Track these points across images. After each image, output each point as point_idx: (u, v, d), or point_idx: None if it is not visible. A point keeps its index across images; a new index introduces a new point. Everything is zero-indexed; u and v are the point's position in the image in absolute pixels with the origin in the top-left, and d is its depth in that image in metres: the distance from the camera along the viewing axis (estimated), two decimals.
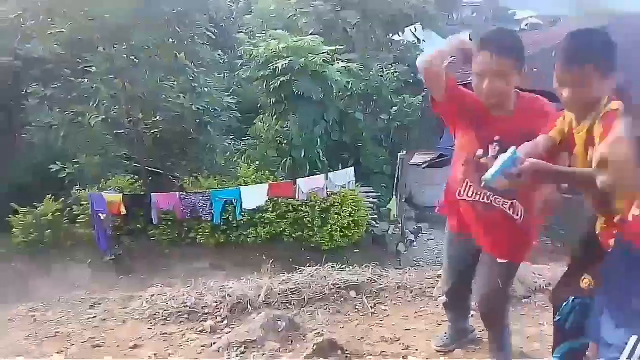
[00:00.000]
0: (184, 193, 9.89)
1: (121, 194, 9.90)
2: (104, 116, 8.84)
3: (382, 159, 13.03)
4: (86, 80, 9.43)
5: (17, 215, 10.03)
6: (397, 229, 10.94)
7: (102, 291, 4.45)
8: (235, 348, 2.92)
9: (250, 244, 10.29)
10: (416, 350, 2.86)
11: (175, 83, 10.15)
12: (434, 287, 3.61)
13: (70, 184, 10.40)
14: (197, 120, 10.51)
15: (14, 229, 9.94)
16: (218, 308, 3.60)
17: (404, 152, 11.87)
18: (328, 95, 11.28)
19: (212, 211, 9.84)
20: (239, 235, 10.40)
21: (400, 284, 3.64)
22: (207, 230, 10.32)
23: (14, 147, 12.03)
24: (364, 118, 12.96)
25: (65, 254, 10.14)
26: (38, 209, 10.06)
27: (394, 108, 13.52)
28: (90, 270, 9.83)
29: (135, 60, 9.58)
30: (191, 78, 10.18)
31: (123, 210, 9.69)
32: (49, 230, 10.02)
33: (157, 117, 10.20)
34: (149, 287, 4.24)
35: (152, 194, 9.85)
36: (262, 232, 10.26)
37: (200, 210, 9.83)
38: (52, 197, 10.31)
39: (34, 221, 9.94)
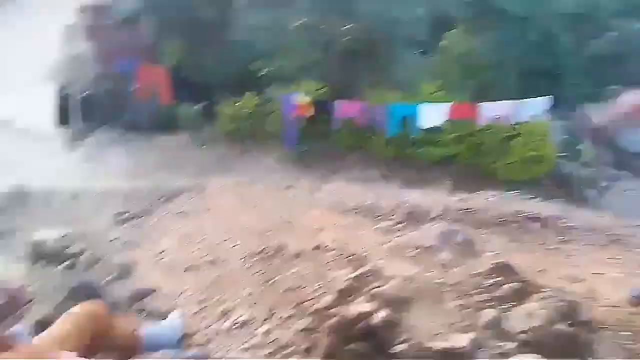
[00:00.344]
0: (366, 104, 10.10)
1: (310, 97, 10.52)
2: (301, 21, 9.21)
3: (585, 93, 11.46)
4: None
5: (222, 106, 11.46)
6: (590, 173, 9.81)
7: (290, 180, 4.91)
8: (410, 250, 3.05)
9: (422, 162, 10.29)
10: (603, 296, 2.66)
11: None
12: (634, 237, 3.23)
13: (266, 84, 11.41)
14: (387, 32, 10.37)
15: (220, 118, 11.44)
16: (393, 212, 3.74)
17: (616, 87, 10.25)
18: (532, 13, 10.05)
19: (388, 124, 9.98)
20: (413, 151, 10.45)
21: (594, 227, 3.33)
22: (382, 142, 10.55)
23: (222, 44, 13.43)
24: (571, 43, 11.36)
25: (258, 145, 11.42)
26: (238, 103, 11.33)
27: (611, 34, 11.52)
28: (274, 162, 10.95)
29: None
30: None
31: (311, 112, 10.36)
32: (246, 123, 11.30)
33: (350, 25, 10.30)
34: (332, 182, 4.56)
35: (336, 101, 10.27)
36: (437, 152, 10.11)
37: (379, 122, 10.05)
38: (253, 93, 11.47)
39: (234, 112, 11.27)
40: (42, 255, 3.05)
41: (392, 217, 3.70)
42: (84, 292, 2.42)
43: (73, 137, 12.41)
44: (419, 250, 3.06)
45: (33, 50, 14.82)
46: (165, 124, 12.48)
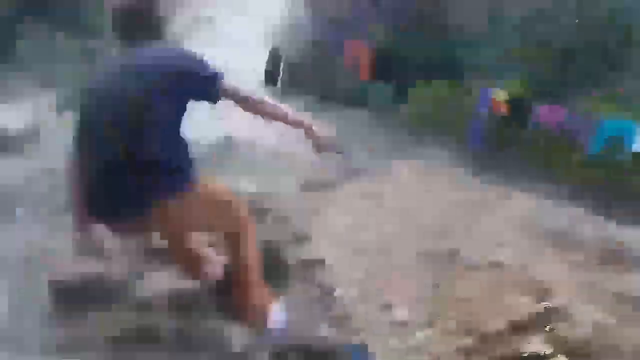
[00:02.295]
0: (572, 112, 8.98)
1: (509, 95, 9.77)
2: (522, 12, 8.48)
3: None
4: None
5: (415, 89, 11.34)
6: None
7: (473, 181, 4.62)
8: (607, 295, 2.64)
9: (627, 190, 8.86)
10: None
11: None
12: None
13: (467, 73, 10.91)
14: (618, 35, 8.98)
15: (409, 100, 11.36)
16: (590, 245, 3.28)
17: None
18: None
19: (592, 139, 8.73)
20: (617, 176, 9.06)
21: None
22: (577, 158, 9.35)
23: (430, 27, 13.18)
24: None
25: (440, 133, 11.09)
26: (433, 87, 11.08)
27: None
28: (454, 155, 10.51)
29: None
30: None
31: (506, 111, 9.64)
32: (434, 110, 11.03)
33: (577, 22, 9.17)
34: (517, 192, 4.18)
35: (538, 105, 9.36)
36: None
37: (581, 134, 8.86)
38: (448, 81, 11.11)
39: (425, 97, 11.07)
40: None
41: (589, 250, 3.24)
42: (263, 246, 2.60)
43: (276, 96, 13.58)
44: (619, 298, 2.63)
45: (258, 11, 16.53)
46: (358, 99, 12.88)
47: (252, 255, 2.10)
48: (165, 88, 1.76)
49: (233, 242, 2.08)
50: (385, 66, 12.31)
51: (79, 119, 1.91)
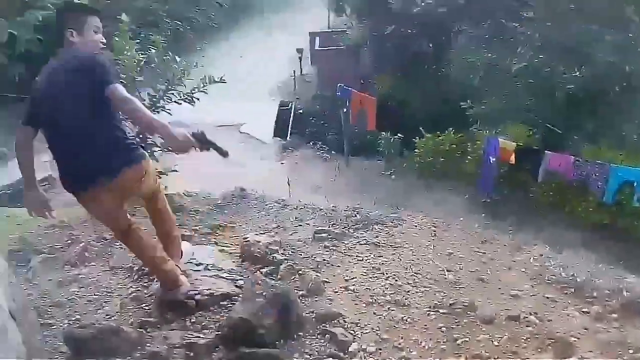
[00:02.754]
0: (580, 159, 9.03)
1: (515, 143, 9.87)
2: (526, 64, 8.71)
3: None
4: (518, 25, 9.41)
5: (421, 139, 11.50)
6: None
7: (485, 231, 4.60)
8: (629, 351, 2.57)
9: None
10: None
11: (612, 38, 8.98)
12: None
13: (471, 122, 11.09)
14: (625, 84, 9.16)
15: (416, 150, 11.50)
16: (609, 297, 3.21)
17: None
18: None
19: (605, 187, 8.69)
20: (630, 223, 8.98)
21: None
22: (591, 206, 9.30)
23: (435, 78, 13.53)
24: None
25: (448, 183, 11.15)
26: (439, 137, 11.24)
27: None
28: (464, 205, 10.51)
29: (573, 7, 8.94)
30: (632, 35, 8.82)
31: (513, 160, 9.69)
32: (442, 159, 11.14)
33: (578, 73, 9.39)
34: (530, 239, 4.14)
35: (546, 151, 9.42)
36: None
37: (592, 182, 8.84)
38: (453, 130, 11.29)
39: (433, 147, 11.20)
40: (250, 256, 3.38)
41: (607, 302, 3.17)
42: (280, 300, 2.59)
43: (284, 148, 13.80)
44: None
45: (266, 67, 17.11)
46: (364, 148, 13.09)
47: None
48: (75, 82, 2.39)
49: None
50: (392, 116, 12.57)
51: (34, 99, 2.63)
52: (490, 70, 10.41)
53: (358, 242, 3.63)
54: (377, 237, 3.72)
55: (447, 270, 3.34)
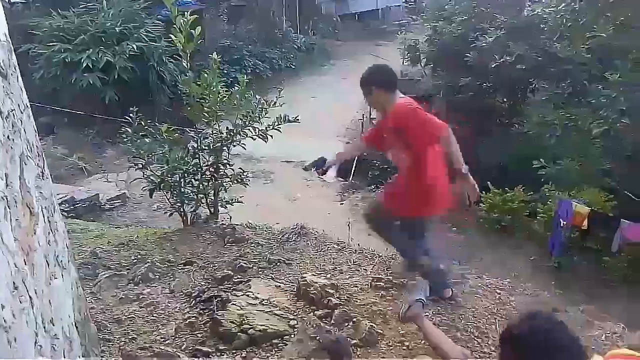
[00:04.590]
0: None
1: (590, 208, 9.34)
2: (607, 127, 8.33)
3: None
4: (602, 87, 9.07)
5: (488, 194, 11.15)
6: None
7: (554, 297, 4.32)
8: None
9: None
10: None
11: None
12: None
13: (543, 182, 10.66)
14: None
15: (482, 204, 11.14)
16: None
17: None
18: None
19: None
20: None
21: None
22: None
23: (507, 133, 13.23)
24: None
25: (514, 243, 10.64)
26: (507, 194, 10.85)
27: None
28: (530, 267, 9.96)
29: None
30: None
31: (585, 225, 9.17)
32: (509, 217, 10.71)
33: None
34: (606, 320, 3.83)
35: (623, 220, 8.82)
36: None
37: None
38: (523, 188, 10.88)
39: (500, 203, 10.82)
40: (306, 296, 3.37)
41: None
42: (333, 348, 2.54)
43: (346, 189, 13.83)
44: None
45: (336, 109, 17.44)
46: None
47: None
48: None
49: None
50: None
51: None
52: (568, 131, 10.02)
53: None
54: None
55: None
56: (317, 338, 2.56)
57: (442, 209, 3.44)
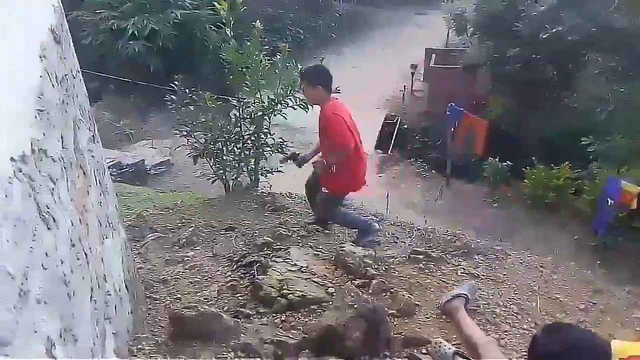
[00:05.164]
0: None
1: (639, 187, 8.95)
2: None
3: None
4: None
5: (532, 169, 10.84)
6: None
7: (597, 279, 4.19)
8: None
9: None
10: None
11: None
12: None
13: (591, 159, 10.27)
14: None
15: (525, 180, 10.86)
16: None
17: None
18: None
19: None
20: None
21: None
22: None
23: (555, 107, 12.71)
24: None
25: (558, 220, 10.37)
26: (553, 170, 10.52)
27: None
28: (574, 246, 9.71)
29: None
30: None
31: (634, 205, 8.81)
32: (553, 193, 10.40)
33: None
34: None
35: None
36: None
37: None
38: (570, 165, 10.51)
39: (545, 179, 10.51)
40: (344, 266, 3.41)
41: None
42: (371, 316, 2.57)
43: (384, 161, 13.73)
44: None
45: (377, 80, 17.17)
46: (467, 171, 12.63)
47: None
48: None
49: None
50: (503, 143, 12.00)
51: None
52: (621, 106, 9.54)
53: (456, 270, 3.48)
54: (477, 268, 3.55)
55: (552, 317, 3.09)
56: (355, 306, 2.58)
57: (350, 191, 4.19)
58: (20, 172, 1.01)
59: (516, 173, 11.46)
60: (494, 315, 2.97)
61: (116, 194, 3.00)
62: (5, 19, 1.28)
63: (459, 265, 3.56)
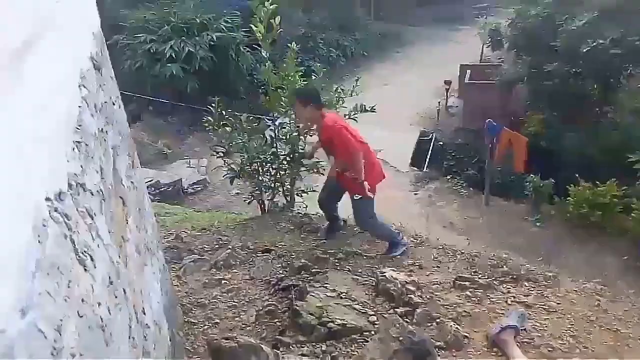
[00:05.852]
0: None
1: None
2: None
3: None
4: None
5: (576, 187, 10.41)
6: None
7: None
8: None
9: None
10: None
11: None
12: None
13: (639, 176, 9.79)
14: None
15: (569, 198, 10.42)
16: None
17: None
18: None
19: None
20: None
21: None
22: None
23: (598, 123, 12.26)
24: None
25: (605, 240, 9.88)
26: (598, 188, 10.07)
27: None
28: (623, 267, 9.21)
29: None
30: None
31: None
32: (599, 212, 9.94)
33: None
34: None
35: None
36: None
37: None
38: (616, 182, 10.05)
39: (590, 198, 10.06)
40: (385, 292, 3.26)
41: None
42: (418, 350, 2.42)
43: (420, 178, 13.48)
44: None
45: (411, 96, 17.00)
46: (506, 189, 12.25)
47: None
48: None
49: None
50: (543, 159, 11.59)
51: None
52: None
53: (505, 298, 3.29)
54: (527, 296, 3.34)
55: (612, 350, 2.86)
56: (400, 338, 2.44)
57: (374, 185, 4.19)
58: (56, 211, 0.95)
59: (558, 191, 11.04)
60: (550, 349, 2.76)
61: (155, 215, 2.97)
62: (44, 47, 1.24)
63: (508, 292, 3.36)
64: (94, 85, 1.79)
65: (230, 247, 4.42)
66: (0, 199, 0.75)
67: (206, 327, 3.23)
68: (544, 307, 3.20)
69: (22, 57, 1.08)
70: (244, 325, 3.22)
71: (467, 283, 3.39)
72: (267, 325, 3.19)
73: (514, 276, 3.57)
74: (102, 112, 1.83)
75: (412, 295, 3.16)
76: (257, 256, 4.31)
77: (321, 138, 4.16)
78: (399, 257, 4.14)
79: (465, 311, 3.08)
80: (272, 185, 5.43)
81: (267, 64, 5.09)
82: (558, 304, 3.27)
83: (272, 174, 5.38)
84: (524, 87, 14.08)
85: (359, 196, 4.09)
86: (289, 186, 5.49)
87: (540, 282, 3.57)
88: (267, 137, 5.31)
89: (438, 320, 2.94)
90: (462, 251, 4.34)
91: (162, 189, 9.90)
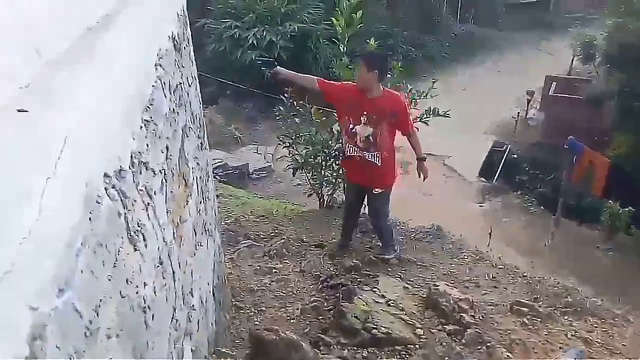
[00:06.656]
0: None
1: None
2: None
3: None
4: None
5: None
6: None
7: None
8: None
9: None
10: None
11: None
12: None
13: None
14: None
15: None
16: None
17: None
18: None
19: None
20: None
21: None
22: None
23: None
24: None
25: None
26: None
27: None
28: None
29: None
30: None
31: None
32: None
33: None
34: None
35: None
36: None
37: None
38: None
39: None
40: (436, 306, 3.15)
41: None
42: None
43: (487, 190, 12.97)
44: None
45: (488, 104, 16.34)
46: (580, 212, 11.50)
47: None
48: None
49: None
50: (626, 186, 10.76)
51: None
52: None
53: (565, 331, 3.06)
54: (590, 332, 3.10)
55: None
56: (446, 358, 2.34)
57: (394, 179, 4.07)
58: (113, 188, 0.96)
59: (636, 221, 10.23)
60: None
61: (217, 196, 3.02)
62: (123, 23, 1.27)
63: (570, 325, 3.13)
64: (171, 66, 1.82)
65: (285, 237, 4.45)
66: (58, 173, 0.76)
67: (252, 313, 3.26)
68: (607, 347, 2.95)
69: (98, 33, 1.10)
70: (288, 318, 3.22)
71: (525, 309, 3.19)
72: (311, 321, 3.18)
73: (578, 309, 3.32)
74: (176, 93, 1.87)
75: (464, 314, 3.02)
76: (310, 250, 4.31)
77: (375, 106, 3.74)
78: (393, 260, 4.04)
79: (519, 339, 2.90)
80: (334, 180, 5.41)
81: (343, 58, 5.05)
82: (624, 345, 3.00)
83: (335, 169, 5.36)
84: (613, 105, 13.13)
85: (380, 190, 3.94)
86: None
87: (606, 319, 3.30)
88: (335, 132, 5.28)
89: (489, 344, 2.78)
90: (524, 274, 4.10)
91: (229, 172, 10.19)
